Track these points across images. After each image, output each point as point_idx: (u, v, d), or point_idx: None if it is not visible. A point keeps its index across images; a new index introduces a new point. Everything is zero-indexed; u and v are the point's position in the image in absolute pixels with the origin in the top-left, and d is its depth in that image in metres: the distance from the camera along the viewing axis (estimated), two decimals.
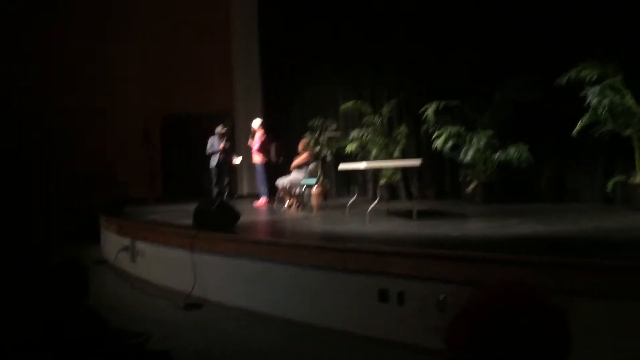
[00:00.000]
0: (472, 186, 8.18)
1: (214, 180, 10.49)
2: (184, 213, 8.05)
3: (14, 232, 9.83)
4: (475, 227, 5.68)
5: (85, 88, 13.07)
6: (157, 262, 6.80)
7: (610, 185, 6.41)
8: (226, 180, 10.56)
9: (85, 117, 13.02)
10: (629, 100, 6.11)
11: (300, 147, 9.16)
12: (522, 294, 1.14)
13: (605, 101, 6.06)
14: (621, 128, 6.24)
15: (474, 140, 7.97)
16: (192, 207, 6.51)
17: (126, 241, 7.61)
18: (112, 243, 8.34)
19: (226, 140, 10.40)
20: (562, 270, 3.43)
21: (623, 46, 6.41)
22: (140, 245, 7.19)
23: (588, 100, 6.20)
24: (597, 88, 6.15)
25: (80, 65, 13.00)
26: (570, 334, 1.13)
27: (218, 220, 5.95)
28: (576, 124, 6.38)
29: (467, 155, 7.97)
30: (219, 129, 10.44)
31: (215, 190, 10.42)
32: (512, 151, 7.54)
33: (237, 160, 10.75)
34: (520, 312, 1.10)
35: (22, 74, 12.46)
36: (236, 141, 12.78)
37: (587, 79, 6.27)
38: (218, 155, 10.35)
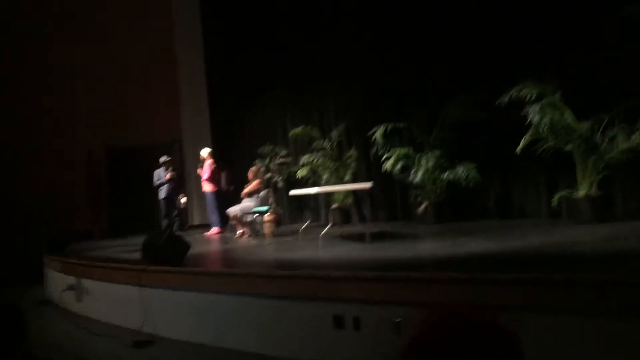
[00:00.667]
0: (422, 206, 8.27)
1: (163, 212, 10.26)
2: (131, 247, 7.84)
3: None
4: (427, 247, 5.72)
5: (29, 118, 12.67)
6: (104, 300, 6.56)
7: (555, 199, 6.59)
8: (175, 212, 10.35)
9: (30, 149, 12.59)
10: (568, 117, 6.33)
11: (250, 174, 9.08)
12: (472, 316, 1.13)
13: (546, 119, 6.27)
14: (562, 144, 6.44)
15: (423, 161, 8.08)
16: (139, 240, 6.33)
17: (71, 279, 7.32)
18: (56, 282, 8.00)
19: (172, 170, 10.22)
20: (509, 286, 3.48)
21: (560, 64, 6.67)
22: (86, 283, 6.92)
23: (529, 119, 6.40)
24: (537, 106, 6.36)
25: (24, 95, 12.62)
26: (522, 355, 1.12)
27: (167, 253, 5.79)
28: (519, 142, 6.56)
29: (417, 176, 8.07)
30: (163, 159, 10.27)
31: (164, 222, 10.19)
32: (460, 170, 7.68)
33: (182, 200, 10.58)
34: (471, 335, 1.08)
35: None
36: (185, 171, 12.61)
37: (528, 97, 6.47)
38: (167, 186, 10.14)
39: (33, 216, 12.00)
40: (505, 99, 6.64)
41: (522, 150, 6.56)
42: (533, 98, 6.44)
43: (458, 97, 7.89)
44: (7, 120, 12.46)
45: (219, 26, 13.09)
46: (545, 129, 6.34)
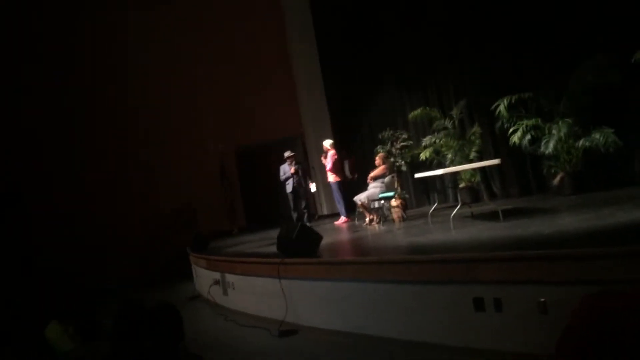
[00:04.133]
0: (558, 178, 7.82)
1: (292, 205, 10.58)
2: (268, 241, 8.19)
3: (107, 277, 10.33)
4: (568, 221, 5.38)
5: (164, 133, 13.67)
6: (248, 293, 6.92)
7: None
8: (303, 204, 10.60)
9: (163, 157, 13.57)
10: None
11: (377, 159, 9.12)
12: (628, 303, 1.07)
13: None
14: None
15: (554, 130, 7.65)
16: (274, 233, 6.60)
17: (216, 275, 7.81)
18: (204, 278, 8.58)
19: (295, 164, 10.49)
20: None
21: None
22: (230, 278, 7.35)
23: None
24: None
25: (155, 110, 13.62)
26: None
27: (301, 246, 5.99)
28: None
29: (548, 146, 7.65)
30: (287, 154, 10.56)
31: (294, 215, 10.51)
32: (597, 136, 7.17)
33: (312, 187, 10.79)
34: (630, 324, 1.02)
35: (108, 122, 13.18)
36: (309, 163, 12.90)
37: None
38: (291, 180, 10.45)
39: (179, 218, 12.95)
40: None
41: None
42: None
43: (587, 60, 7.35)
44: (146, 136, 13.51)
45: (329, 17, 13.20)
46: None
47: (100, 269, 11.38)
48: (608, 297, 1.11)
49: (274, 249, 6.51)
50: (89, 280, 11.09)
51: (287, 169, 10.46)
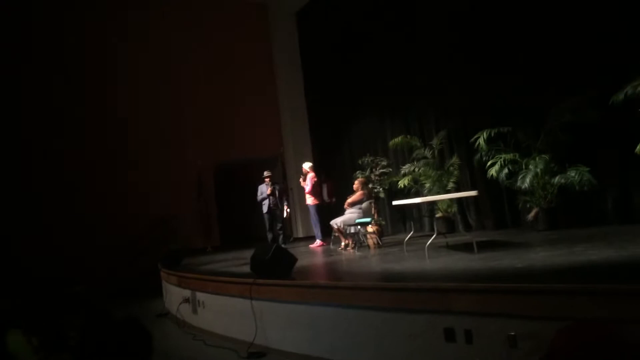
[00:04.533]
0: (532, 213, 7.92)
1: (267, 226, 10.50)
2: (241, 260, 8.11)
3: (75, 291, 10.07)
4: (541, 256, 5.43)
5: (143, 145, 13.54)
6: (218, 312, 6.82)
7: None
8: (279, 225, 10.52)
9: (140, 168, 13.42)
10: None
11: (356, 184, 9.14)
12: (606, 335, 1.06)
13: None
14: None
15: (531, 166, 7.77)
16: (248, 254, 6.53)
17: (187, 293, 7.69)
18: (174, 295, 8.44)
19: (272, 184, 10.43)
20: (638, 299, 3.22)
21: None
22: (201, 296, 7.24)
23: None
24: None
25: (136, 121, 13.50)
26: None
27: (274, 267, 5.94)
28: (638, 141, 6.12)
29: (525, 181, 7.75)
30: (265, 174, 10.51)
31: (269, 236, 10.42)
32: (573, 174, 7.30)
33: (285, 211, 10.71)
34: (608, 356, 1.02)
35: (82, 129, 13.01)
36: (288, 184, 12.87)
37: None
38: (268, 200, 10.39)
39: (152, 232, 12.76)
40: (620, 96, 6.23)
41: None
42: None
43: (566, 98, 7.51)
44: (123, 147, 13.36)
45: (316, 41, 13.34)
46: None
47: (69, 274, 11.11)
48: (585, 328, 1.11)
49: (247, 268, 6.45)
50: (56, 285, 10.79)
51: (264, 189, 10.39)
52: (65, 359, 3.19)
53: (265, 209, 10.40)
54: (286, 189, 11.91)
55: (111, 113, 13.29)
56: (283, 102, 14.89)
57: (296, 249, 9.34)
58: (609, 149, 7.30)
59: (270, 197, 10.32)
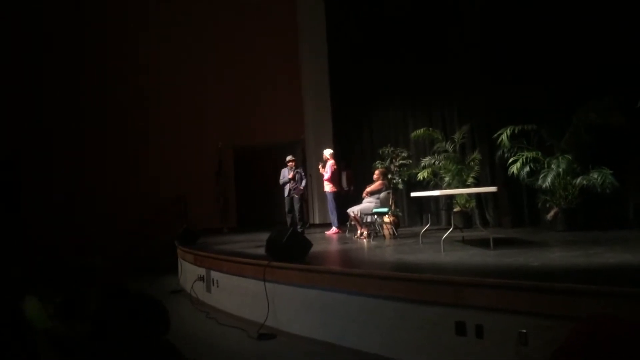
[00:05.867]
0: (552, 213, 7.84)
1: (287, 209, 10.54)
2: (257, 243, 8.17)
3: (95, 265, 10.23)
4: (557, 256, 5.39)
5: (165, 124, 13.69)
6: (231, 292, 6.90)
7: None
8: (297, 209, 10.56)
9: (162, 147, 13.57)
10: None
11: (376, 174, 9.14)
12: (624, 330, 1.07)
13: None
14: None
15: (553, 165, 7.68)
16: (265, 236, 6.59)
17: (201, 271, 7.78)
18: (189, 272, 8.55)
19: (295, 169, 10.45)
20: None
21: None
22: (215, 275, 7.33)
23: None
24: None
25: (160, 102, 13.65)
26: None
27: (290, 250, 5.98)
28: None
29: (546, 180, 7.68)
30: (288, 158, 10.54)
31: (288, 220, 10.48)
32: (595, 176, 7.21)
33: (302, 184, 10.66)
34: (622, 352, 1.03)
35: (104, 109, 13.20)
36: (307, 170, 12.90)
37: None
38: (290, 184, 10.44)
39: (170, 211, 12.92)
40: None
41: None
42: None
43: (593, 99, 7.40)
44: (146, 125, 13.53)
45: (342, 30, 13.26)
46: None
47: (86, 248, 11.31)
48: (604, 322, 1.11)
49: (262, 251, 6.50)
50: (73, 257, 11.00)
51: (286, 173, 10.43)
52: (83, 327, 3.25)
53: (286, 192, 10.46)
54: (305, 174, 11.91)
55: (135, 94, 13.45)
56: (306, 88, 14.86)
57: (312, 235, 9.37)
58: (633, 152, 7.20)
59: (291, 182, 10.36)
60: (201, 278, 7.74)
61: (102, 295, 2.68)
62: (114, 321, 2.50)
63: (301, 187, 10.45)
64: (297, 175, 10.40)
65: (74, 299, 3.89)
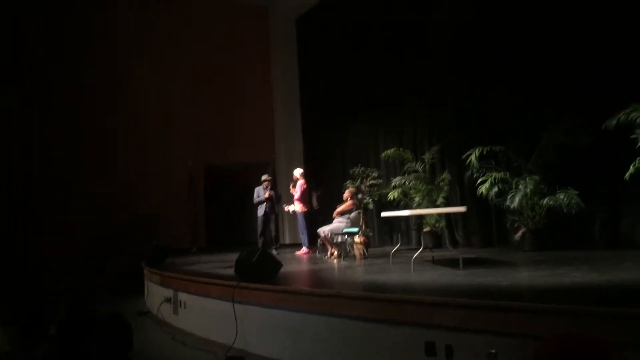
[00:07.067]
0: (520, 233, 7.94)
1: (259, 230, 10.41)
2: (226, 263, 8.07)
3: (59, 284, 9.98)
4: (525, 275, 5.45)
5: (136, 140, 13.52)
6: (198, 314, 6.77)
7: None
8: (273, 229, 10.47)
9: (131, 163, 13.37)
10: None
11: (346, 194, 9.15)
12: (590, 348, 1.06)
13: None
14: None
15: (521, 185, 7.79)
16: (235, 257, 6.51)
17: (169, 292, 7.63)
18: (155, 294, 8.38)
19: (269, 189, 10.39)
20: (621, 321, 3.23)
21: None
22: (183, 297, 7.19)
23: None
24: None
25: (131, 119, 13.49)
26: None
27: (259, 271, 5.91)
28: (628, 167, 6.17)
29: (514, 201, 7.77)
30: (264, 177, 10.47)
31: (260, 240, 10.34)
32: (561, 197, 7.34)
33: (290, 207, 10.59)
34: None
35: (75, 121, 12.97)
36: (278, 189, 12.85)
37: (638, 120, 6.10)
38: (264, 204, 10.33)
39: (138, 229, 12.68)
40: (613, 122, 6.29)
41: (632, 176, 6.16)
42: None
43: (560, 121, 7.57)
44: (115, 140, 13.32)
45: (314, 47, 13.37)
46: None
47: (52, 267, 11.01)
48: (565, 340, 1.10)
49: (231, 271, 6.41)
50: (38, 278, 10.70)
51: (261, 192, 10.35)
52: (43, 349, 3.15)
53: (260, 212, 10.34)
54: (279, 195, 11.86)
55: (106, 109, 13.28)
56: (277, 107, 14.89)
57: (282, 255, 9.31)
58: (599, 173, 7.35)
59: (267, 202, 10.26)
60: (168, 300, 7.59)
61: (64, 316, 2.60)
62: (76, 342, 2.43)
63: (287, 208, 10.39)
64: (273, 195, 10.33)
65: (34, 321, 3.76)
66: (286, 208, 10.53)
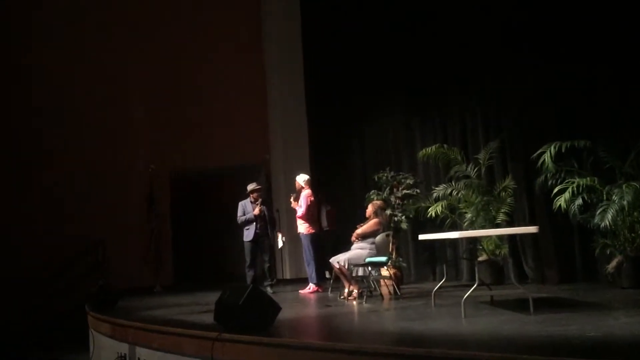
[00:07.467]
0: (614, 262, 7.91)
1: (248, 260, 10.29)
2: (202, 306, 8.09)
3: None
4: (623, 322, 5.43)
5: (78, 149, 13.64)
6: None
7: None
8: (267, 259, 10.39)
9: (72, 180, 13.47)
10: None
11: (368, 209, 9.11)
12: None
13: None
14: None
15: (615, 196, 7.76)
16: (213, 298, 6.52)
17: (123, 347, 7.66)
18: (105, 349, 8.40)
19: (260, 204, 10.30)
20: None
21: None
22: (143, 354, 7.21)
23: None
24: None
25: (73, 112, 13.65)
26: None
27: (248, 316, 5.92)
28: None
29: (605, 218, 7.74)
30: (251, 187, 10.39)
31: (249, 275, 10.24)
32: None
33: (279, 241, 10.58)
34: None
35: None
36: (274, 204, 12.82)
37: None
38: (254, 225, 10.29)
39: (81, 262, 12.75)
40: None
41: None
42: None
43: None
44: (50, 152, 13.47)
45: (323, 20, 13.41)
46: None
47: None
48: None
49: (209, 318, 6.43)
50: None
51: (249, 209, 10.26)
52: None
53: (249, 235, 10.26)
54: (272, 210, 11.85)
55: (42, 98, 13.45)
56: (273, 94, 14.88)
57: (280, 295, 9.32)
58: None
59: (258, 221, 10.16)
60: (122, 357, 7.61)
61: None
62: None
63: (278, 238, 10.39)
64: (265, 212, 10.24)
65: None
66: (277, 237, 10.47)
